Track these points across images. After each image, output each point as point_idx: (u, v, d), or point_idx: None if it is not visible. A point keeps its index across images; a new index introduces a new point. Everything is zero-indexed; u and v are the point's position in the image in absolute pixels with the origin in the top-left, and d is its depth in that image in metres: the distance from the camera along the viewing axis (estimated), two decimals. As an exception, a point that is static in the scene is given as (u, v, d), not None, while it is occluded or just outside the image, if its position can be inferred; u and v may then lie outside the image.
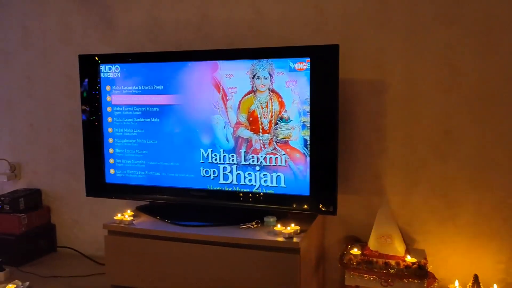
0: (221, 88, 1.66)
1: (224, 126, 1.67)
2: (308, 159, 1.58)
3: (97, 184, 1.88)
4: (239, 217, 1.65)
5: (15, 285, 1.83)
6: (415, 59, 1.67)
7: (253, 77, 1.61)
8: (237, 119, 1.65)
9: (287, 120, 1.59)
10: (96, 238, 2.28)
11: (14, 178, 2.38)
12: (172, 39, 1.97)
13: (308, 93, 1.54)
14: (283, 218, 1.64)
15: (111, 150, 1.85)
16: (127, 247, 1.64)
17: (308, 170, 1.58)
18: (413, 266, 1.51)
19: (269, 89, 1.60)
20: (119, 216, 1.69)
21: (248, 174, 1.66)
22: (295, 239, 1.46)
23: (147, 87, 1.76)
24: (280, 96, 1.59)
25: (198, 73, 1.69)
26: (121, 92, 1.80)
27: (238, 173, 1.68)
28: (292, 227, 1.49)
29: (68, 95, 2.22)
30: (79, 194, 2.27)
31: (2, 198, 2.19)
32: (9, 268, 2.02)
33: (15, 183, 2.39)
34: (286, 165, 1.61)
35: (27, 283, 1.87)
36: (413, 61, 1.68)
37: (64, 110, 2.25)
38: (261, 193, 1.65)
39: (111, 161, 1.85)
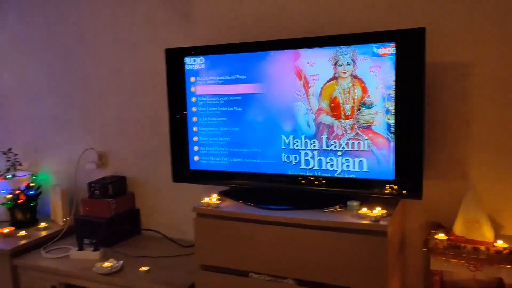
0: (302, 76, 1.70)
1: (306, 113, 1.72)
2: (392, 144, 1.58)
3: (183, 170, 1.99)
4: (322, 201, 1.69)
5: (111, 263, 2.00)
6: (508, 40, 1.63)
7: (335, 64, 1.64)
8: (319, 105, 1.69)
9: (370, 106, 1.61)
10: (176, 222, 2.42)
11: (102, 166, 2.58)
12: (251, 30, 2.04)
13: (393, 78, 1.55)
14: (364, 203, 1.66)
15: (195, 138, 1.95)
16: (215, 229, 1.73)
17: (392, 155, 1.59)
18: (505, 252, 1.48)
19: (351, 75, 1.62)
20: (206, 200, 1.78)
21: (330, 159, 1.70)
22: (382, 222, 1.48)
23: (230, 77, 1.84)
24: (362, 82, 1.61)
25: (280, 62, 1.74)
26: (205, 83, 1.89)
27: (319, 159, 1.72)
28: (379, 211, 1.51)
29: (153, 87, 2.36)
30: (161, 180, 2.42)
31: (93, 185, 2.38)
32: (102, 248, 2.20)
33: (102, 171, 2.58)
34: (369, 150, 1.63)
35: (121, 262, 2.03)
36: (506, 43, 1.63)
37: (149, 101, 2.39)
38: (343, 178, 1.68)
39: (195, 148, 1.95)
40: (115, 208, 2.35)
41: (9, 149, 2.69)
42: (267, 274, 1.67)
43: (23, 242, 2.28)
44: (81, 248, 2.18)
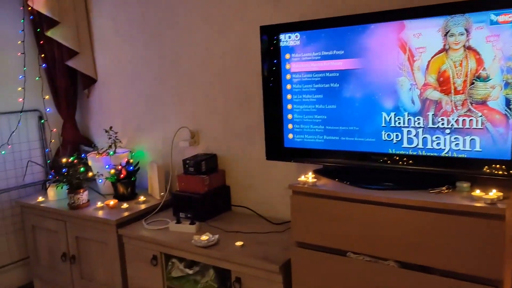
0: (407, 49, 1.60)
1: (410, 88, 1.62)
2: (511, 120, 1.45)
3: (276, 148, 2.00)
4: (426, 181, 1.61)
5: (207, 237, 2.08)
6: None
7: (445, 35, 1.52)
8: (425, 80, 1.59)
9: (485, 79, 1.47)
10: (266, 199, 2.45)
11: (194, 144, 2.67)
12: (346, 4, 1.97)
13: (515, 48, 1.40)
14: (474, 184, 1.55)
15: (289, 116, 1.94)
16: (311, 207, 1.72)
17: (510, 132, 1.45)
18: None
19: (464, 46, 1.50)
20: (302, 178, 1.77)
21: (437, 137, 1.60)
22: (499, 205, 1.37)
23: (326, 53, 1.79)
24: (477, 53, 1.48)
25: (382, 35, 1.65)
26: (300, 60, 1.86)
27: (424, 137, 1.62)
28: (495, 193, 1.40)
29: (244, 66, 2.39)
30: (252, 158, 2.46)
31: (187, 161, 2.48)
32: (198, 222, 2.29)
33: (194, 149, 2.68)
34: (483, 128, 1.50)
35: (217, 236, 2.10)
36: None
37: (239, 80, 2.42)
38: (451, 158, 1.57)
39: (290, 126, 1.94)
40: (208, 184, 2.44)
41: (110, 128, 2.89)
42: (366, 255, 1.64)
43: (126, 214, 2.46)
44: (178, 221, 2.29)
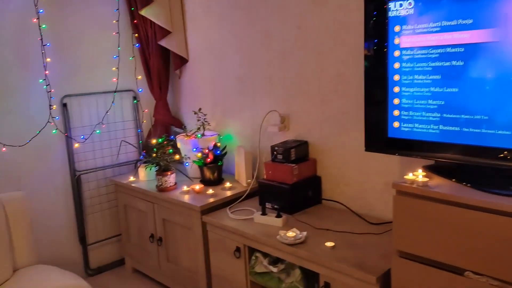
0: None
1: None
2: None
3: (378, 138, 1.71)
4: None
5: (294, 233, 1.88)
6: None
7: None
8: None
9: None
10: (361, 195, 2.17)
11: (284, 130, 2.47)
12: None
13: None
14: None
15: (396, 101, 1.63)
16: (420, 211, 1.42)
17: None
18: None
19: None
20: (410, 176, 1.47)
21: None
22: None
23: (449, 23, 1.44)
24: None
25: (529, -3, 1.27)
26: (413, 32, 1.54)
27: None
28: None
29: (340, 44, 2.11)
30: (347, 148, 2.19)
31: (276, 148, 2.29)
32: (285, 215, 2.10)
33: (283, 134, 2.48)
34: None
35: (305, 233, 1.89)
36: None
37: (334, 59, 2.15)
38: None
39: (396, 113, 1.64)
40: (297, 174, 2.23)
41: (199, 109, 2.81)
42: (491, 277, 1.30)
43: (211, 200, 2.36)
44: (264, 213, 2.12)
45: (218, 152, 2.64)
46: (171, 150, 2.63)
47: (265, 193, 2.29)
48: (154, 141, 2.69)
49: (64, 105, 2.79)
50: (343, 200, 2.24)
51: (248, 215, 2.19)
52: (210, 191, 2.46)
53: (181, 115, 3.25)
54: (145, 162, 2.70)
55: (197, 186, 2.50)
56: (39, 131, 2.55)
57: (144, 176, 2.80)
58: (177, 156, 2.58)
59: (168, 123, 3.15)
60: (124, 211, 2.92)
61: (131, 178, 2.83)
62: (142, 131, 3.14)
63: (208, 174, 2.59)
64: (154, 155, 2.57)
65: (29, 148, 2.61)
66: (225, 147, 2.71)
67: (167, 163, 2.56)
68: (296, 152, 2.28)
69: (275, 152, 2.29)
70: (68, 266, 2.45)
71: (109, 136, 2.99)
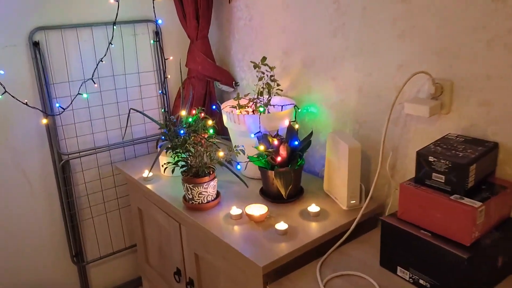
0: None
1: None
2: None
3: None
4: None
5: None
6: None
7: None
8: None
9: None
10: None
11: (439, 112, 1.20)
12: None
13: None
14: None
15: None
16: None
17: None
18: None
19: None
20: None
21: None
22: None
23: None
24: None
25: None
26: None
27: None
28: None
29: None
30: None
31: (430, 158, 1.05)
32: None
33: (439, 122, 1.23)
34: None
35: None
36: None
37: None
38: None
39: None
40: (483, 223, 1.00)
41: (263, 59, 1.57)
42: None
43: (283, 247, 1.20)
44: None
45: (297, 142, 1.43)
46: (211, 131, 1.45)
47: (397, 248, 1.10)
48: (183, 112, 1.52)
49: (35, 44, 1.64)
50: None
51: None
52: (282, 225, 1.29)
53: (232, 66, 2.02)
54: (167, 149, 1.54)
55: (257, 209, 1.34)
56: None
57: (168, 170, 1.67)
58: (220, 153, 1.40)
59: (209, 75, 1.94)
60: (139, 216, 1.85)
61: (146, 173, 1.70)
62: (164, 93, 1.97)
63: (277, 183, 1.40)
64: (181, 143, 1.41)
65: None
66: (310, 134, 1.48)
67: (202, 162, 1.40)
68: (477, 169, 1.03)
69: (426, 165, 1.06)
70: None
71: (110, 99, 1.86)
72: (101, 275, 2.02)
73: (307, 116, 1.64)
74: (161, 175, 1.71)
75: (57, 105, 1.62)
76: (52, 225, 1.83)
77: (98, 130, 1.85)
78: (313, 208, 1.36)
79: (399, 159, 1.34)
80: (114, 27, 1.58)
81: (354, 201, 1.35)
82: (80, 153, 1.82)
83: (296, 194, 1.46)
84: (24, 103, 1.41)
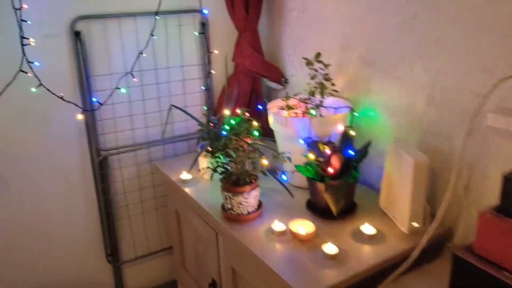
0: None
1: None
2: None
3: None
4: None
5: None
6: None
7: None
8: None
9: None
10: None
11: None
12: None
13: None
14: None
15: None
16: None
17: None
18: None
19: None
20: None
21: None
22: None
23: None
24: None
25: None
26: None
27: None
28: None
29: None
30: None
31: (525, 186, 0.84)
32: None
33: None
34: None
35: None
36: None
37: None
38: None
39: None
40: None
41: (317, 55, 1.40)
42: None
43: (333, 275, 1.03)
44: None
45: (351, 150, 1.25)
46: (256, 132, 1.30)
47: (478, 284, 0.90)
48: (226, 111, 1.38)
49: (77, 34, 1.57)
50: None
51: None
52: (331, 247, 1.12)
53: (282, 61, 1.86)
54: (207, 152, 1.41)
55: (303, 226, 1.18)
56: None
57: (208, 173, 1.54)
58: (264, 161, 1.24)
59: (257, 71, 1.79)
60: (176, 218, 1.74)
61: (184, 175, 1.58)
62: (208, 89, 1.84)
63: (327, 198, 1.23)
64: (222, 147, 1.27)
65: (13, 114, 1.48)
66: (368, 144, 1.29)
67: (243, 169, 1.25)
68: None
69: (520, 197, 0.85)
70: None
71: (151, 94, 1.75)
72: (136, 276, 1.94)
73: (364, 121, 1.45)
74: (200, 178, 1.58)
75: (94, 100, 1.53)
76: (88, 223, 1.77)
77: (138, 126, 1.75)
78: (368, 228, 1.18)
79: (474, 179, 1.13)
80: (157, 17, 1.46)
81: (417, 224, 1.16)
82: (119, 149, 1.73)
83: (348, 210, 1.28)
84: (59, 97, 1.32)
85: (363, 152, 1.27)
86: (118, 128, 1.72)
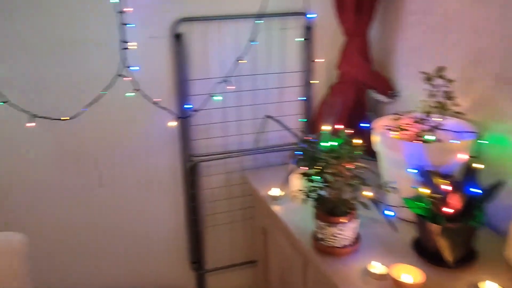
0: None
1: None
2: None
3: None
4: None
5: None
6: None
7: None
8: None
9: None
10: None
11: None
12: None
13: None
14: None
15: None
16: None
17: None
18: None
19: None
20: None
21: None
22: None
23: None
24: None
25: None
26: None
27: None
28: None
29: None
30: None
31: None
32: None
33: None
34: None
35: None
36: None
37: None
38: None
39: None
40: None
41: (440, 69, 1.18)
42: None
43: None
44: None
45: (477, 190, 1.03)
46: (357, 154, 1.14)
47: None
48: (325, 127, 1.24)
49: (177, 36, 1.54)
50: None
51: None
52: None
53: (390, 73, 1.65)
54: (300, 172, 1.28)
55: (408, 272, 0.99)
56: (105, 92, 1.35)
57: (300, 196, 1.40)
58: (367, 193, 1.07)
59: (364, 82, 1.61)
60: (263, 233, 1.64)
61: (275, 191, 1.47)
62: (307, 99, 1.70)
63: (441, 243, 1.02)
64: (317, 172, 1.13)
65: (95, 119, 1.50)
66: (498, 184, 1.05)
67: (340, 197, 1.10)
68: None
69: None
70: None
71: (246, 101, 1.66)
72: (219, 286, 1.89)
73: (493, 151, 1.20)
74: (292, 196, 1.46)
75: (190, 106, 1.49)
76: (175, 228, 1.75)
77: (230, 133, 1.69)
78: (490, 287, 0.95)
79: None
80: (258, 21, 1.37)
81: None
82: (211, 156, 1.68)
83: (466, 258, 1.06)
84: (153, 103, 1.29)
85: (491, 192, 1.04)
86: (210, 134, 1.67)
